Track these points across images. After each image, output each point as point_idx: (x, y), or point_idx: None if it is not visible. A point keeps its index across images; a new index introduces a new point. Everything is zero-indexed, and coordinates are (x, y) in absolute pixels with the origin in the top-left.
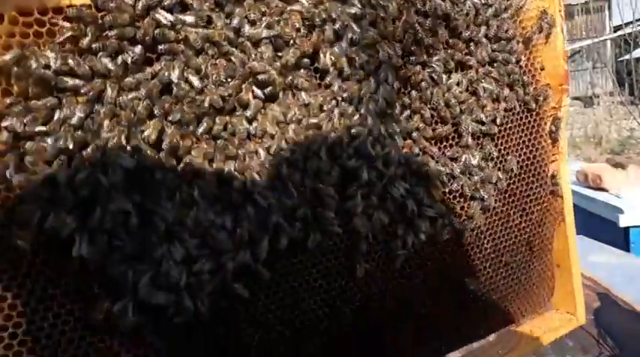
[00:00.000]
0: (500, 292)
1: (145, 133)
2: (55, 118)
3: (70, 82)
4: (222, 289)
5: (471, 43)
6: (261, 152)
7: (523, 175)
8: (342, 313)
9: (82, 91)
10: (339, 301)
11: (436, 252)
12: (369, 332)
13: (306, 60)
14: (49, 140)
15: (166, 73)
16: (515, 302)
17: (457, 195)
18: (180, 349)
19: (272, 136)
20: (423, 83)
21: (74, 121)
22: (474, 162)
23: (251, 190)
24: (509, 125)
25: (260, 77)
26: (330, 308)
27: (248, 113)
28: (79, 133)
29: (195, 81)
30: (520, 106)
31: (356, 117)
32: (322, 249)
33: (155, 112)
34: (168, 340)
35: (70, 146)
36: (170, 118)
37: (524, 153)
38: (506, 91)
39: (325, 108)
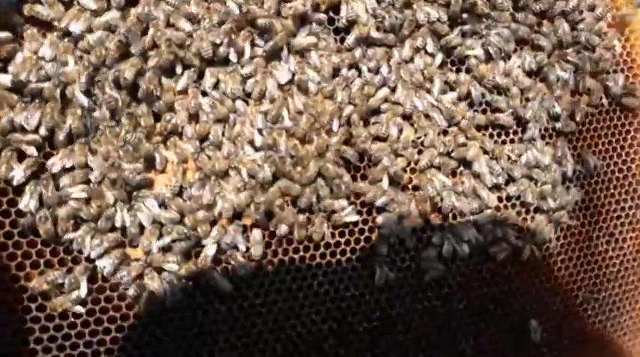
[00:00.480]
0: (574, 339)
1: (121, 67)
2: (19, 55)
3: (44, 12)
4: (199, 277)
5: (544, 20)
6: (258, 117)
7: (612, 191)
8: (354, 332)
9: (55, 23)
10: (351, 317)
11: (485, 272)
12: None
13: (322, 16)
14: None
15: (147, 9)
16: None
17: (517, 202)
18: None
19: (272, 100)
20: (474, 60)
21: (41, 54)
22: (545, 161)
23: (238, 163)
24: (595, 125)
25: (260, 22)
26: (339, 324)
27: (245, 70)
28: (43, 70)
29: (184, 23)
30: (611, 103)
31: (384, 91)
32: (329, 245)
33: (133, 51)
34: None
35: (33, 79)
36: (149, 64)
37: (614, 162)
38: (590, 82)
39: (344, 74)
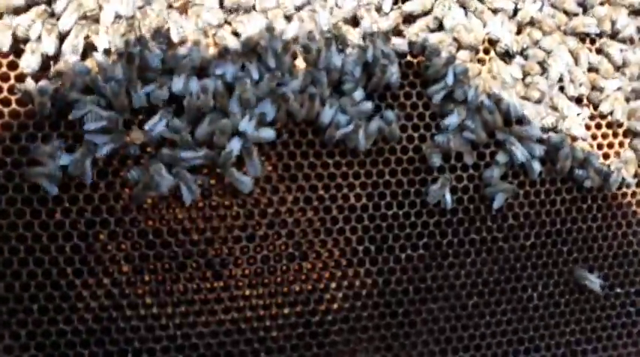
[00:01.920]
0: None
1: None
2: None
3: None
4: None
5: None
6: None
7: None
8: (397, 260)
9: None
10: (393, 240)
11: (561, 203)
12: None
13: None
14: None
15: None
16: None
17: (602, 122)
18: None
19: None
20: None
21: None
22: None
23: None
24: None
25: None
26: (377, 247)
27: None
28: None
29: None
30: None
31: None
32: (370, 152)
33: None
34: None
35: None
36: None
37: None
38: None
39: None
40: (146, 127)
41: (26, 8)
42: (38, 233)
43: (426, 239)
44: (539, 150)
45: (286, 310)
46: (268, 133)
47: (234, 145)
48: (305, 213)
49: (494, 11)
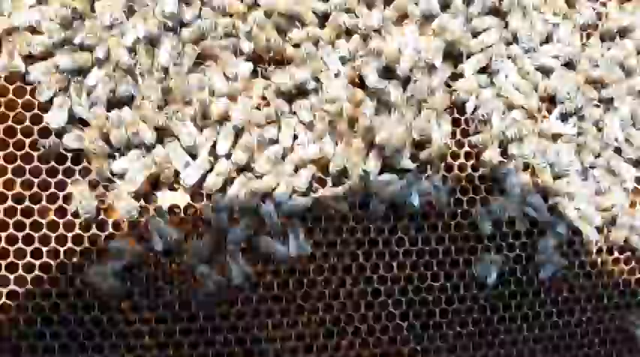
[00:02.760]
0: None
1: None
2: None
3: None
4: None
5: None
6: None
7: None
8: (442, 337)
9: None
10: (440, 316)
11: (618, 274)
12: None
13: None
14: None
15: None
16: None
17: None
18: None
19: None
20: None
21: None
22: None
23: None
24: None
25: None
26: (419, 325)
27: None
28: None
29: None
30: None
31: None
32: (414, 215)
33: None
34: None
35: None
36: None
37: None
38: None
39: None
40: None
41: None
42: (55, 302)
43: (476, 314)
44: (596, 218)
45: None
46: (304, 201)
47: (269, 208)
48: (344, 284)
49: (547, 71)
